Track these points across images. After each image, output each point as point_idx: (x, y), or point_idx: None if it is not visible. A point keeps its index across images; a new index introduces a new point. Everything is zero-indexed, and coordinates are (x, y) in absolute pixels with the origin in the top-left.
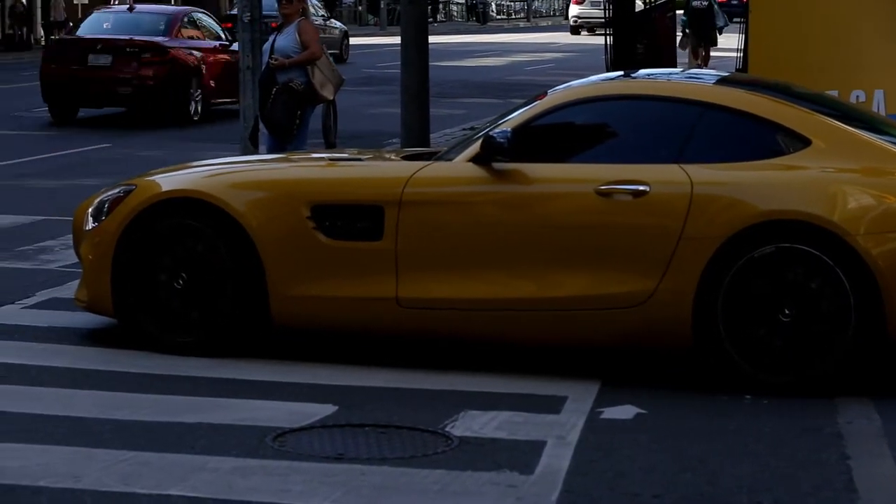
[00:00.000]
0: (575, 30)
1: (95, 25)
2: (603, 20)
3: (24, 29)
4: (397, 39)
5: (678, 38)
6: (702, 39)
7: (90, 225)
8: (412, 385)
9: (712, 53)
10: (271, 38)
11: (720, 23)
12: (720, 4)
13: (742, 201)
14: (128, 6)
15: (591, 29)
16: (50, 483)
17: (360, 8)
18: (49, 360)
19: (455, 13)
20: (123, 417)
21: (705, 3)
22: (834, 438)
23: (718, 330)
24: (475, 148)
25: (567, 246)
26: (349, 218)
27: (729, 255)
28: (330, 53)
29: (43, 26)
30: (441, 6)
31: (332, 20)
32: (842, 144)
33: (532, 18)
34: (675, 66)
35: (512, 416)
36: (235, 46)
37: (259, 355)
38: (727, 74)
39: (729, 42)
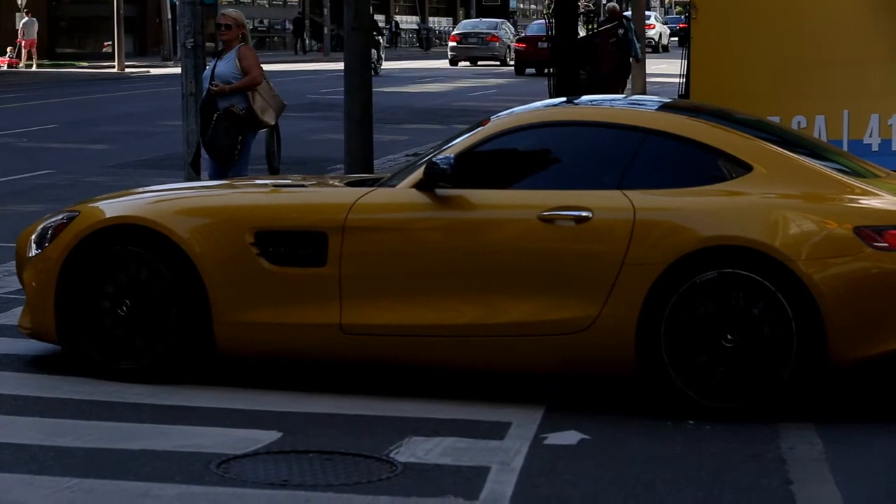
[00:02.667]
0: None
1: None
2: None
3: None
4: (341, 65)
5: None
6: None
7: (33, 251)
8: (356, 411)
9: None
10: (211, 64)
11: (634, 52)
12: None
13: (684, 227)
14: None
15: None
16: None
17: (305, 35)
18: None
19: (402, 39)
20: (67, 444)
21: (621, 32)
22: (776, 464)
23: (661, 356)
24: (418, 174)
25: (510, 272)
26: (293, 244)
27: (671, 280)
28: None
29: None
30: (394, 34)
31: None
32: (783, 170)
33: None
34: (617, 93)
35: (456, 441)
36: None
37: (203, 382)
38: (669, 101)
39: (671, 68)
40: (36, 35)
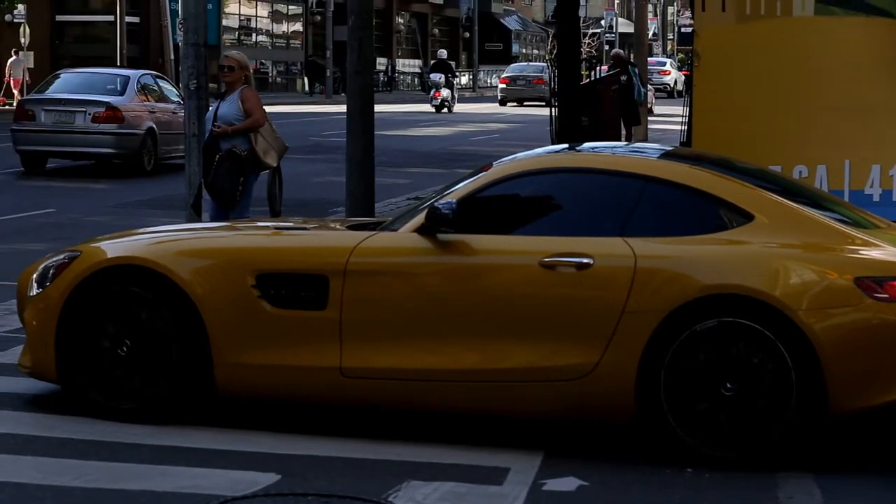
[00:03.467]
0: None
1: None
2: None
3: None
4: (343, 108)
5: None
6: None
7: (35, 291)
8: (356, 454)
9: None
10: (214, 106)
11: (637, 95)
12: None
13: (685, 275)
14: None
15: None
16: None
17: (305, 78)
18: None
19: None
20: (66, 484)
21: (624, 78)
22: None
23: (661, 403)
24: (420, 219)
25: (511, 317)
26: (294, 287)
27: (671, 328)
28: None
29: None
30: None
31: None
32: (784, 220)
33: (478, 89)
34: (619, 139)
35: (455, 486)
36: None
37: (203, 423)
38: (671, 148)
39: (673, 115)
40: (22, 74)
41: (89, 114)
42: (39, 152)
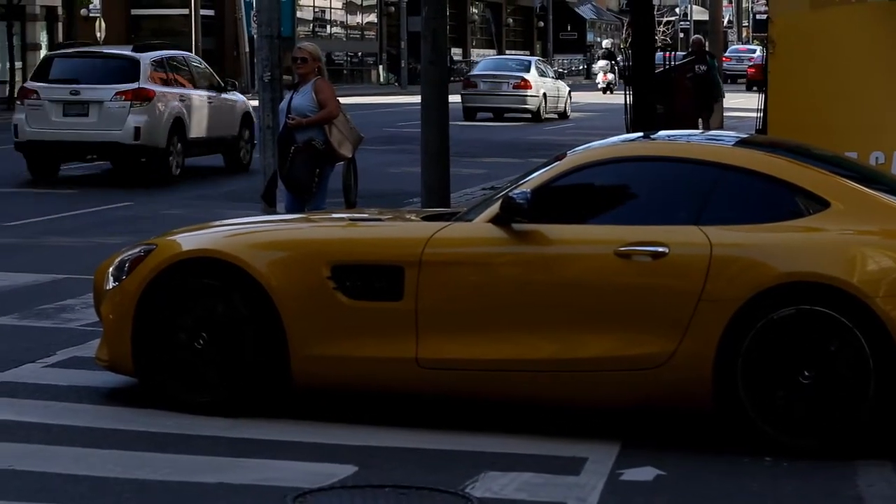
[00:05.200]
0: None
1: None
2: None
3: None
4: (418, 98)
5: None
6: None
7: (111, 284)
8: (432, 445)
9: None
10: (288, 97)
11: (718, 91)
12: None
13: (761, 263)
14: None
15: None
16: None
17: (380, 67)
18: (70, 420)
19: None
20: (144, 477)
21: (703, 69)
22: (854, 502)
23: (738, 391)
24: (495, 209)
25: (586, 307)
26: (369, 278)
27: (748, 316)
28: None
29: None
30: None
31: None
32: (861, 206)
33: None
34: (694, 128)
35: (532, 477)
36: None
37: (279, 415)
38: (746, 136)
39: (748, 103)
40: None
41: None
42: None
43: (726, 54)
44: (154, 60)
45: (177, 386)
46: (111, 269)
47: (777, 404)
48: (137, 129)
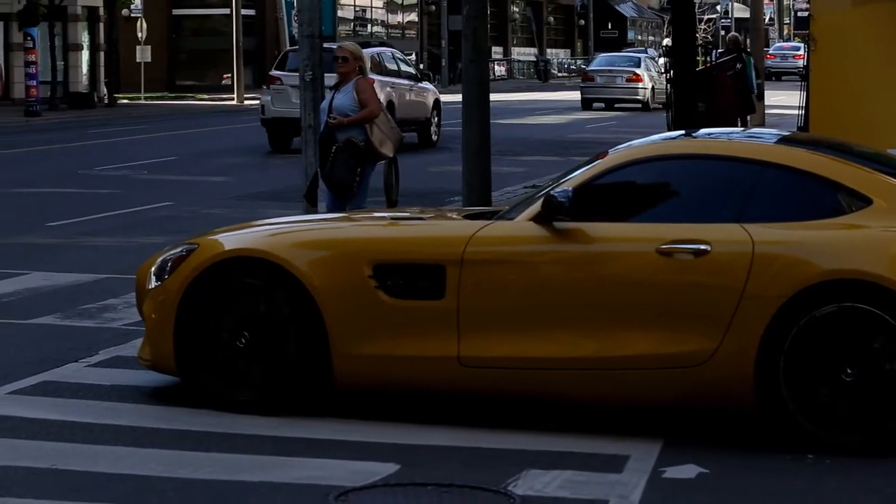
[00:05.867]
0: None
1: None
2: None
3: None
4: (459, 97)
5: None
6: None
7: (153, 284)
8: (474, 444)
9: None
10: (329, 97)
11: (751, 87)
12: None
13: (804, 260)
14: None
15: None
16: None
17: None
18: (112, 419)
19: (516, 70)
20: (186, 476)
21: (739, 67)
22: None
23: (780, 389)
24: (536, 207)
25: (628, 305)
26: (411, 277)
27: (791, 314)
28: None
29: (106, 85)
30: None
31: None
32: None
33: None
34: (735, 125)
35: (574, 475)
36: None
37: (321, 414)
38: (788, 133)
39: (790, 100)
40: None
41: None
42: None
43: (770, 51)
44: (370, 55)
45: (219, 385)
46: (153, 268)
47: (820, 402)
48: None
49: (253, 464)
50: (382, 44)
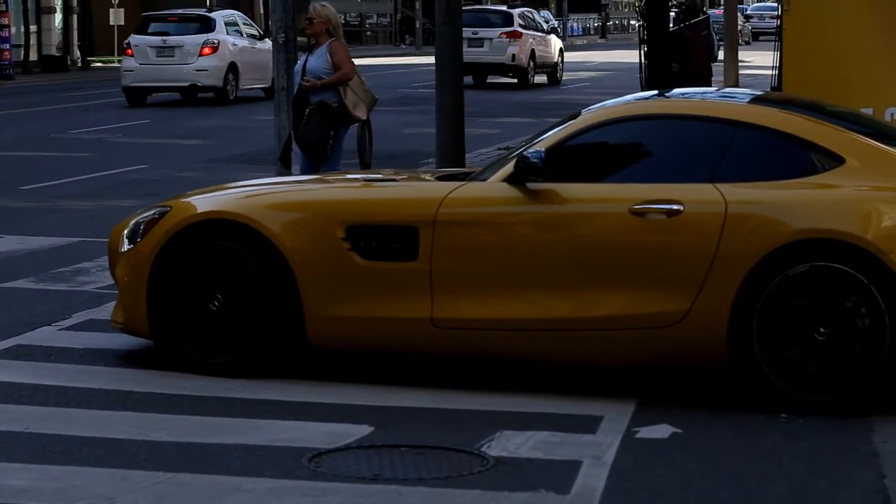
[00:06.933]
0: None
1: None
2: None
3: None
4: (432, 59)
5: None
6: None
7: (126, 247)
8: (448, 405)
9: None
10: (302, 59)
11: (714, 52)
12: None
13: (776, 220)
14: None
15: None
16: None
17: (395, 27)
18: (85, 382)
19: None
20: (159, 439)
21: (704, 32)
22: (870, 458)
23: (753, 349)
24: (509, 168)
25: (601, 266)
26: (384, 238)
27: (763, 273)
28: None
29: (80, 48)
30: None
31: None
32: (876, 162)
33: (567, 38)
34: (709, 85)
35: (548, 436)
36: None
37: (294, 376)
38: (761, 93)
39: (763, 60)
40: None
41: None
42: None
43: (748, 11)
44: (518, 14)
45: (192, 347)
46: (126, 231)
47: (792, 361)
48: (513, 55)
49: (226, 426)
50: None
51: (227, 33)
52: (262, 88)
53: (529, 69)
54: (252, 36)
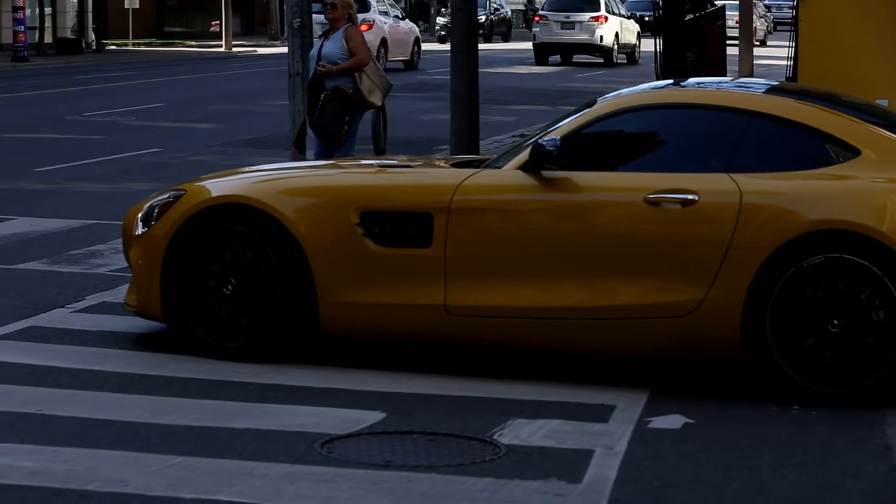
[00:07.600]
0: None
1: None
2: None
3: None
4: (448, 46)
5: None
6: None
7: (140, 230)
8: (460, 392)
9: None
10: (318, 44)
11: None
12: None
13: (791, 211)
14: None
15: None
16: (98, 487)
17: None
18: (98, 365)
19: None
20: (172, 422)
21: (719, 23)
22: (882, 450)
23: (767, 340)
24: (524, 156)
25: (616, 254)
26: (398, 225)
27: (778, 264)
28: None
29: (94, 31)
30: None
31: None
32: (891, 154)
33: None
34: (724, 75)
35: (560, 424)
36: None
37: (307, 361)
38: (777, 83)
39: (779, 51)
40: None
41: None
42: None
43: (766, 2)
44: (604, 0)
45: (205, 331)
46: (140, 214)
47: (806, 353)
48: (601, 36)
49: (239, 411)
50: None
51: (378, 13)
52: (401, 61)
53: (614, 50)
54: (396, 17)
